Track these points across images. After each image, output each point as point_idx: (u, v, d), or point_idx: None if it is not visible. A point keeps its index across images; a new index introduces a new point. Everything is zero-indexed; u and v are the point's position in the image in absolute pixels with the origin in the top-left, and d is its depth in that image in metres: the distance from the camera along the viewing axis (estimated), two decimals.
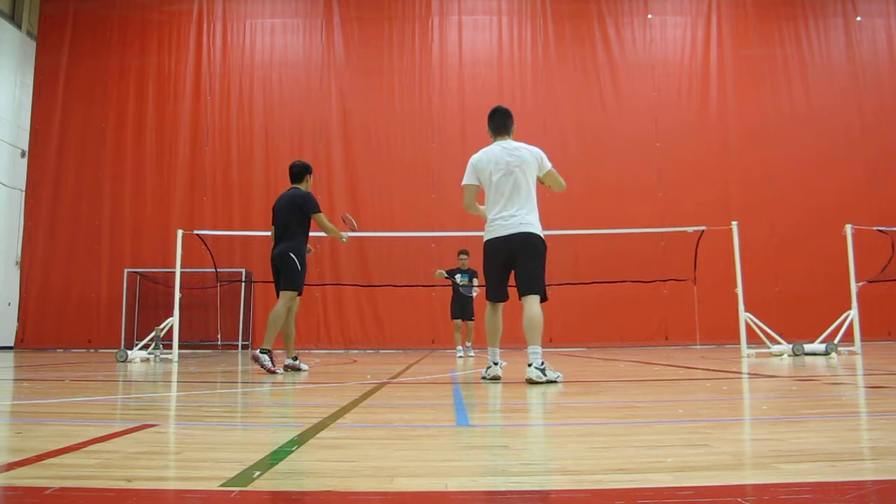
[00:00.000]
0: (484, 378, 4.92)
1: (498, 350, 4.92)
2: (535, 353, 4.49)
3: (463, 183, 4.94)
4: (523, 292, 4.70)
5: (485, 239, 4.87)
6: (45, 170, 15.06)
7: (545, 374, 4.43)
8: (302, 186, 6.86)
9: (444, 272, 10.03)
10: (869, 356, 7.96)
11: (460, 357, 9.73)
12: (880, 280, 9.31)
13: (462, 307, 10.20)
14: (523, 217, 4.71)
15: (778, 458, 1.81)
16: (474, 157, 4.95)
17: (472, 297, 10.10)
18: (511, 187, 4.74)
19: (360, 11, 15.46)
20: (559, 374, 4.62)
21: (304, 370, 6.43)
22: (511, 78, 15.21)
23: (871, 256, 9.46)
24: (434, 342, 13.82)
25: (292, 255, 6.30)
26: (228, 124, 15.14)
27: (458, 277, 10.15)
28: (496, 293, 4.88)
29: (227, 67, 15.37)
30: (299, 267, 6.31)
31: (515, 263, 4.74)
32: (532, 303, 4.63)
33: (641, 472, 1.65)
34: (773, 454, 1.88)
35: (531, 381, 4.41)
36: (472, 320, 10.29)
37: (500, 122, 5.01)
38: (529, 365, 4.46)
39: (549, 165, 4.91)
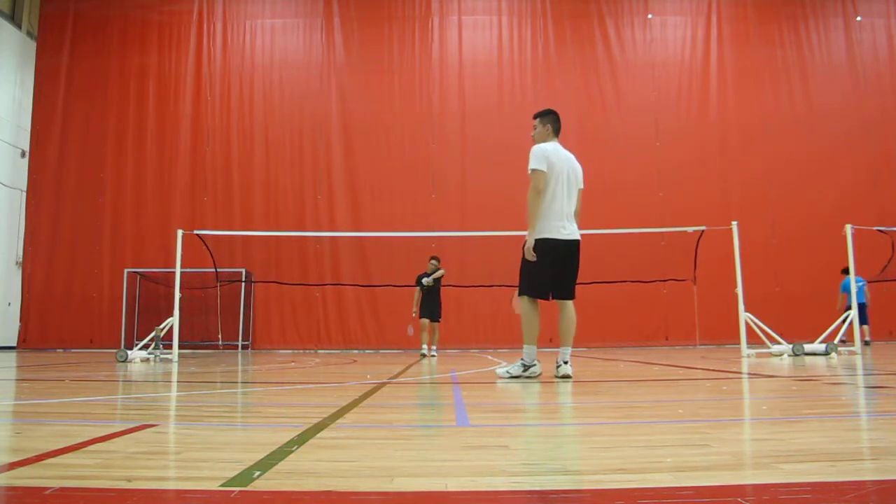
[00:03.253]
0: (518, 377, 4.90)
1: (536, 349, 4.98)
2: (568, 351, 4.92)
3: (537, 167, 4.89)
4: (567, 296, 4.98)
5: (545, 236, 4.87)
6: (46, 170, 15.06)
7: (567, 365, 4.87)
8: None
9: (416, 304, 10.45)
10: (869, 356, 7.96)
11: (423, 355, 9.89)
12: (880, 280, 9.31)
13: (431, 309, 10.30)
14: (575, 224, 5.02)
15: (778, 458, 1.81)
16: (545, 148, 4.99)
17: (438, 291, 10.32)
18: (570, 194, 4.99)
19: (360, 11, 15.45)
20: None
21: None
22: (511, 78, 15.20)
23: (872, 256, 9.47)
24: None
25: None
26: (228, 124, 15.14)
27: (424, 281, 10.32)
28: (543, 290, 4.96)
29: (227, 67, 15.36)
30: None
31: (566, 268, 4.96)
32: (572, 307, 5.00)
33: (641, 472, 1.65)
34: (773, 454, 1.88)
35: (568, 376, 4.78)
36: (439, 321, 10.38)
37: (558, 125, 5.21)
38: (566, 363, 4.84)
39: (583, 184, 5.15)
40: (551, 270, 4.90)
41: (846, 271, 11.54)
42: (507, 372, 5.05)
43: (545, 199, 4.89)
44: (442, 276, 10.39)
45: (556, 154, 4.99)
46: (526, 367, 4.91)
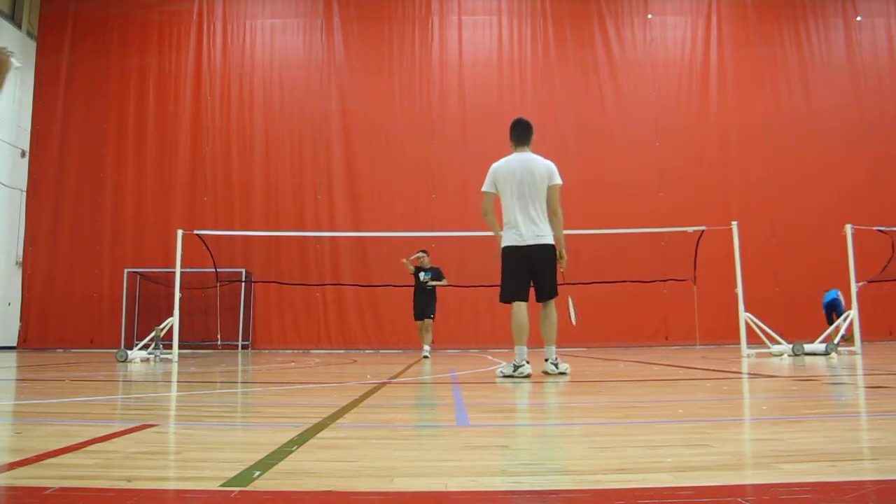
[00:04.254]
0: (510, 376, 5.05)
1: (525, 349, 5.12)
2: (551, 351, 5.22)
3: (482, 189, 5.30)
4: (542, 298, 5.23)
5: (504, 244, 5.22)
6: (46, 170, 15.06)
7: (558, 367, 5.18)
8: None
9: (409, 264, 9.89)
10: (869, 356, 7.96)
11: (426, 357, 9.52)
12: (880, 280, 9.31)
13: (422, 308, 9.91)
14: (539, 229, 5.13)
15: (778, 458, 1.81)
16: (495, 165, 5.31)
17: (433, 290, 9.90)
18: (527, 198, 5.13)
19: (360, 11, 15.45)
20: (567, 365, 5.33)
21: None
22: (511, 78, 15.20)
23: (872, 256, 9.46)
24: (434, 342, 13.81)
25: None
26: (228, 124, 15.14)
27: (421, 275, 9.87)
28: (517, 293, 5.19)
29: (227, 67, 15.36)
30: None
31: (534, 272, 5.17)
32: (550, 308, 5.21)
33: (641, 472, 1.65)
34: (773, 454, 1.88)
35: (546, 373, 5.12)
36: (432, 318, 9.95)
37: (521, 133, 5.34)
38: (546, 360, 5.19)
39: (557, 181, 5.23)
40: (515, 276, 5.18)
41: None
42: (502, 371, 5.29)
43: (503, 212, 5.24)
44: (444, 284, 10.03)
45: (506, 166, 5.22)
46: (515, 367, 5.07)
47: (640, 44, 15.46)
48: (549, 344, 5.19)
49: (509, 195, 5.15)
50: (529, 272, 5.14)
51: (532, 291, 5.25)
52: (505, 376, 5.13)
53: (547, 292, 5.20)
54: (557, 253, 5.23)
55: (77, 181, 15.03)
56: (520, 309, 5.13)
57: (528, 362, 5.05)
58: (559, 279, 5.32)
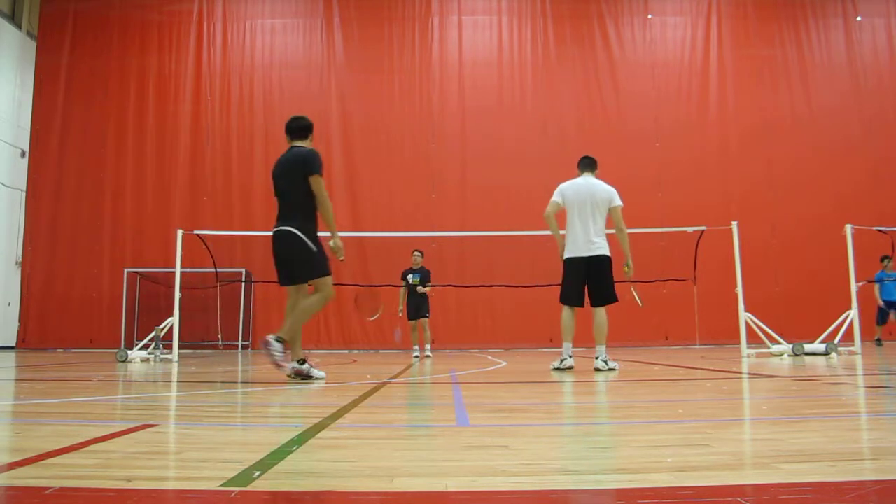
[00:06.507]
0: (558, 369, 5.88)
1: (570, 346, 6.00)
2: (601, 350, 5.91)
3: (552, 198, 6.21)
4: (596, 303, 6.02)
5: (566, 256, 6.12)
6: (46, 170, 15.05)
7: (607, 364, 5.80)
8: (305, 144, 5.57)
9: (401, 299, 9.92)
10: (869, 356, 7.96)
11: (416, 357, 9.42)
12: (880, 280, 9.31)
13: (416, 308, 9.73)
14: (597, 242, 6.01)
15: (778, 458, 1.81)
16: (563, 185, 6.27)
17: (425, 294, 9.75)
18: (588, 216, 6.04)
19: (360, 11, 15.45)
20: (616, 363, 5.95)
21: (319, 377, 5.11)
22: (511, 78, 15.19)
23: (872, 256, 9.47)
24: (434, 342, 13.80)
25: (300, 233, 5.09)
26: (228, 124, 15.13)
27: (409, 277, 9.77)
28: (573, 299, 6.07)
29: (227, 67, 15.36)
30: (314, 246, 5.21)
31: (591, 280, 6.02)
32: (602, 312, 5.99)
33: (641, 472, 1.65)
34: (773, 454, 1.88)
35: (597, 370, 5.76)
36: (427, 317, 9.77)
37: (584, 164, 6.44)
38: (596, 358, 5.88)
39: (617, 203, 6.17)
40: (570, 283, 6.05)
41: (885, 259, 11.34)
42: (553, 365, 6.06)
43: (566, 226, 6.14)
44: (428, 287, 9.85)
45: (574, 187, 6.19)
46: (561, 361, 5.91)
47: (640, 44, 15.46)
48: (599, 344, 5.89)
49: (573, 213, 6.06)
50: (586, 280, 5.99)
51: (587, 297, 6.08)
52: (554, 369, 5.90)
53: (601, 298, 5.98)
54: (625, 263, 6.10)
55: (77, 181, 15.02)
56: (567, 312, 6.04)
57: (570, 356, 5.88)
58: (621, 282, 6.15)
